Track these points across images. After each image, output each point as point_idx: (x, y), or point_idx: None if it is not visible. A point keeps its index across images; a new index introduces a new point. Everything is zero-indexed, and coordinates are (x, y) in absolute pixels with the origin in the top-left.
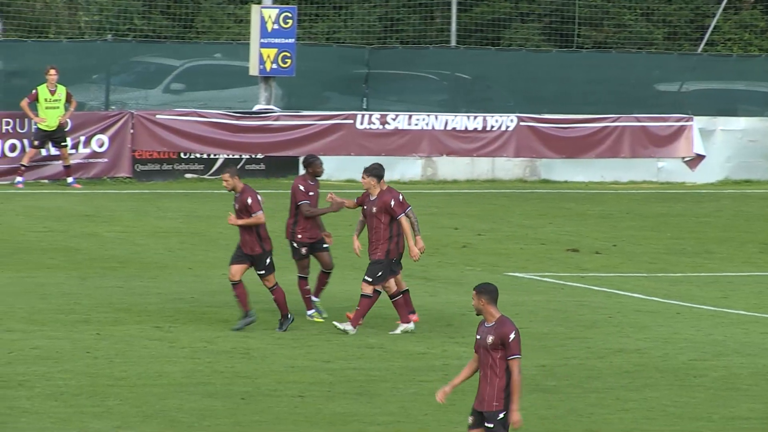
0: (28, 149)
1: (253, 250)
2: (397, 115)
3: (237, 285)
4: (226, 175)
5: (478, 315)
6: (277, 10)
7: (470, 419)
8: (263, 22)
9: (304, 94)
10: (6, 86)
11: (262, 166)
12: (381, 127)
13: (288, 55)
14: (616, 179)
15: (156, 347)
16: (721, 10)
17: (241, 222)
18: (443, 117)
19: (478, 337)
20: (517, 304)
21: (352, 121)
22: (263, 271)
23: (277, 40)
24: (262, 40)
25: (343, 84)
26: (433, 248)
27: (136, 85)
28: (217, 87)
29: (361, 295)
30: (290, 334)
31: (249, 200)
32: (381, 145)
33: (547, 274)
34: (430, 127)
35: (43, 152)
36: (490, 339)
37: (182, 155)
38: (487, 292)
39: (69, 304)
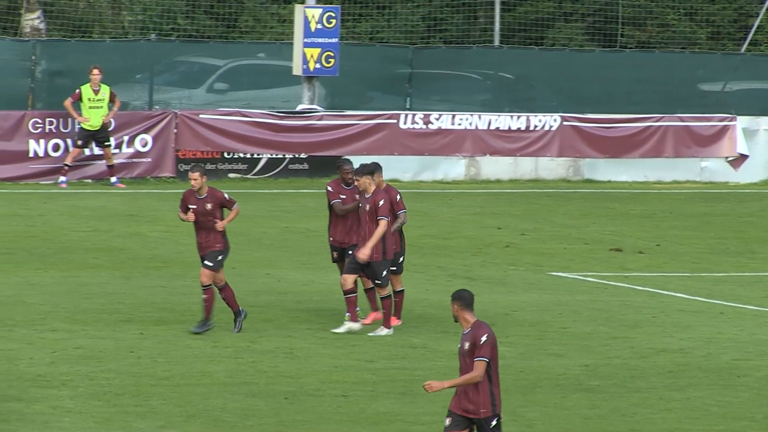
0: (71, 149)
1: (214, 246)
2: (440, 115)
3: (208, 289)
4: (197, 174)
5: (456, 322)
6: (320, 10)
7: (447, 420)
8: (307, 22)
9: (348, 93)
10: (49, 86)
11: (306, 166)
12: (424, 126)
13: (331, 54)
14: (659, 179)
15: (199, 347)
16: (764, 9)
17: (228, 222)
18: (486, 117)
19: (459, 345)
20: (560, 303)
21: (395, 121)
22: (210, 263)
23: (320, 40)
24: (305, 40)
25: (387, 84)
26: (477, 248)
27: (179, 84)
28: (261, 87)
29: (380, 298)
30: (333, 334)
31: (226, 195)
32: (424, 144)
33: (590, 273)
34: (473, 127)
35: (87, 152)
36: (466, 345)
37: (226, 155)
38: (460, 298)
39: (112, 303)
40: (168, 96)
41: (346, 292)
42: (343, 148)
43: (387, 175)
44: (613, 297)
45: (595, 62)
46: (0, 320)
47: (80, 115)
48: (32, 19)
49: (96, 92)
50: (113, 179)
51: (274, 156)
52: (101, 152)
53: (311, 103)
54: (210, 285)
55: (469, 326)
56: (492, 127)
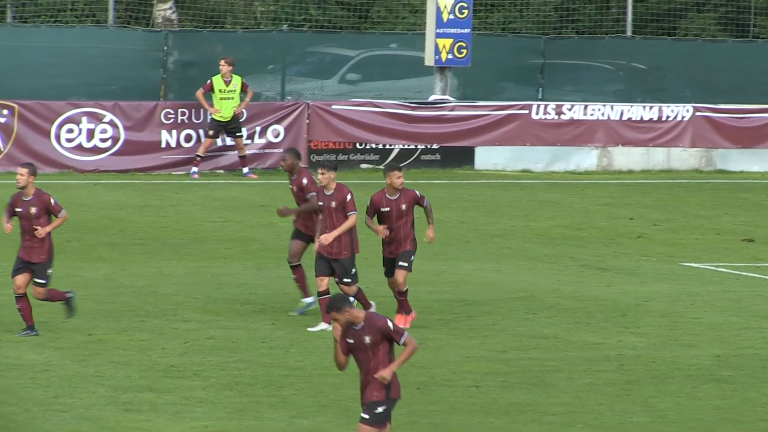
0: (203, 139)
1: (39, 257)
2: (572, 105)
3: (22, 298)
4: (25, 171)
5: (348, 328)
6: (452, 0)
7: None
8: (439, 12)
9: (480, 84)
10: (181, 76)
11: (438, 157)
12: (556, 117)
13: (463, 45)
14: None
15: (331, 337)
16: None
17: (51, 228)
18: (619, 107)
19: (351, 341)
20: (692, 294)
21: (527, 111)
22: (43, 281)
23: (452, 30)
24: (437, 30)
25: (519, 74)
26: (609, 238)
27: (311, 75)
28: (393, 77)
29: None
30: (465, 324)
31: (52, 201)
32: (556, 135)
33: (722, 264)
34: (605, 117)
35: (219, 142)
36: (368, 339)
37: (358, 145)
38: (345, 301)
39: (244, 294)
40: (300, 87)
41: (320, 294)
42: (474, 138)
43: (519, 165)
44: (745, 287)
45: (728, 52)
46: (133, 311)
47: (211, 105)
48: (164, 10)
49: (227, 83)
50: (245, 170)
51: (406, 146)
52: (233, 143)
53: (443, 94)
54: (24, 293)
55: (361, 321)
56: (624, 118)
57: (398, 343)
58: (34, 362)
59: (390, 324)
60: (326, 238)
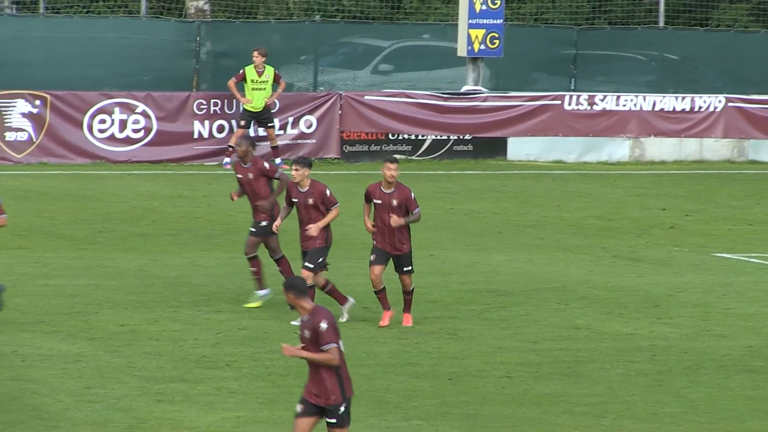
0: (235, 129)
1: None
2: (605, 96)
3: None
4: None
5: (292, 309)
6: None
7: (299, 407)
8: (471, 3)
9: (512, 74)
10: (214, 67)
11: (470, 147)
12: (589, 107)
13: (496, 35)
14: None
15: (363, 328)
16: None
17: None
18: (651, 97)
19: (299, 333)
20: (724, 284)
21: (560, 102)
22: None
23: (485, 21)
24: (470, 21)
25: (551, 65)
26: (641, 229)
27: (344, 66)
28: (425, 68)
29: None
30: (497, 314)
31: None
32: (589, 125)
33: (754, 255)
34: (637, 108)
35: (251, 133)
36: (306, 333)
37: (390, 136)
38: (293, 287)
39: (277, 284)
40: (332, 77)
41: (323, 288)
42: (507, 129)
43: (552, 156)
44: None
45: (760, 43)
46: (165, 301)
47: (243, 96)
48: (197, 0)
49: (260, 74)
50: (277, 160)
51: (438, 137)
52: (265, 134)
53: (476, 85)
54: None
55: (307, 313)
56: (656, 108)
57: (320, 347)
58: (67, 353)
59: (324, 326)
60: (316, 228)
